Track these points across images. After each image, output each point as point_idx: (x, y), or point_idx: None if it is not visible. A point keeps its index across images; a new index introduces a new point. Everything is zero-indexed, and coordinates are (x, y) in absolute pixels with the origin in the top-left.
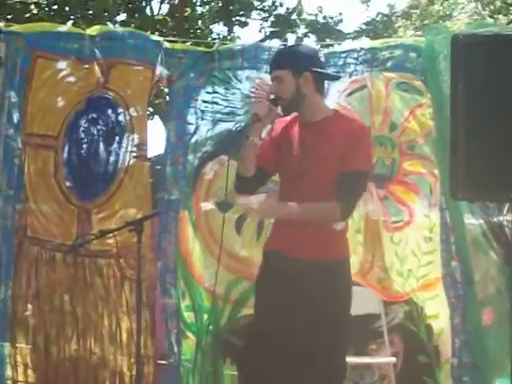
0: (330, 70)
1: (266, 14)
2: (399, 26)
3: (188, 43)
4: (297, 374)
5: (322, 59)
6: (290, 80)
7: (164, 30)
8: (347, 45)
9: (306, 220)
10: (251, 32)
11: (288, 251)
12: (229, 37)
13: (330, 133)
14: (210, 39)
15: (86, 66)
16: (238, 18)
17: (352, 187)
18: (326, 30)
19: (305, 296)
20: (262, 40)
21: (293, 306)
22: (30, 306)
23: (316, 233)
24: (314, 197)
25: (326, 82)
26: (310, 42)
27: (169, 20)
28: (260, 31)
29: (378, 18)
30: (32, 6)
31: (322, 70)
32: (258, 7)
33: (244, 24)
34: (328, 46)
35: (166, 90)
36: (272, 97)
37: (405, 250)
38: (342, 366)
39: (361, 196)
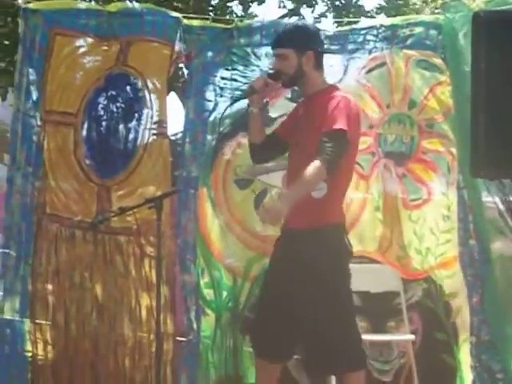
0: (350, 47)
1: None
2: (415, 4)
3: (207, 20)
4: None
5: (322, 37)
6: (293, 58)
7: (182, 7)
8: (367, 22)
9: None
10: (268, 9)
11: (286, 223)
12: (245, 14)
13: (319, 105)
14: (227, 16)
15: (105, 43)
16: None
17: (330, 144)
18: (345, 7)
19: (297, 263)
20: (281, 17)
21: (289, 273)
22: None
23: (299, 204)
24: (306, 166)
25: (345, 60)
26: (329, 19)
27: None
28: (280, 7)
29: None
30: None
31: (324, 50)
32: None
33: (261, 1)
34: (347, 23)
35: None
36: (272, 72)
37: (423, 228)
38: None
39: (341, 153)
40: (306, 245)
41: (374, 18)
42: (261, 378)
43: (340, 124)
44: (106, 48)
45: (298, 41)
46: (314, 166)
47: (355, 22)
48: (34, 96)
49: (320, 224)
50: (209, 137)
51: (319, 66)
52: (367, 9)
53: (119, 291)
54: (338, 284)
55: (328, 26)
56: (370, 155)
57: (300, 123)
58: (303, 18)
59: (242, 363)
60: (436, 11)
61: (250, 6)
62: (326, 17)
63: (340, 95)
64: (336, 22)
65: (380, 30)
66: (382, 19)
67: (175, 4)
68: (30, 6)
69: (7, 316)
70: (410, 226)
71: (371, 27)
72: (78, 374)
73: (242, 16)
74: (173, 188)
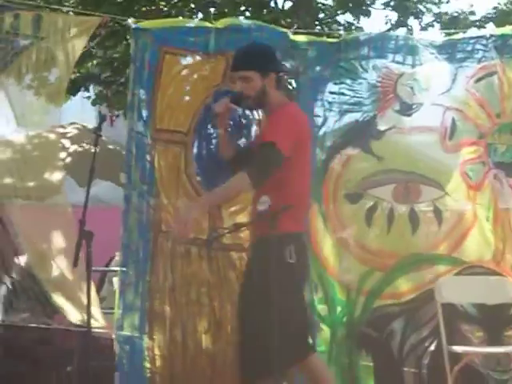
0: (458, 56)
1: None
2: None
3: (314, 35)
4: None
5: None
6: (257, 80)
7: (289, 23)
8: (476, 31)
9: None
10: (373, 21)
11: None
12: (353, 27)
13: (267, 125)
14: (334, 30)
15: (213, 60)
16: (363, 7)
17: (261, 156)
18: (452, 20)
19: (254, 269)
20: (387, 30)
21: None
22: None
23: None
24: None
25: (454, 68)
26: (435, 30)
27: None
28: (386, 23)
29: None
30: (162, 3)
31: (284, 71)
32: None
33: (367, 13)
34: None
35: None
36: (234, 95)
37: None
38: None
39: (269, 163)
40: (254, 255)
41: (483, 27)
42: None
43: (271, 137)
44: (214, 65)
45: (261, 63)
46: (238, 176)
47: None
48: (145, 115)
49: (265, 234)
50: (318, 152)
51: (279, 85)
52: (474, 18)
53: (234, 306)
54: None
55: (435, 36)
56: (481, 165)
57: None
58: (411, 29)
59: (358, 377)
60: None
61: (357, 20)
62: (433, 26)
63: (286, 111)
64: (444, 32)
65: (490, 40)
66: (492, 29)
67: (281, 20)
68: (140, 24)
69: (126, 332)
70: None
71: (481, 37)
72: None
73: (349, 27)
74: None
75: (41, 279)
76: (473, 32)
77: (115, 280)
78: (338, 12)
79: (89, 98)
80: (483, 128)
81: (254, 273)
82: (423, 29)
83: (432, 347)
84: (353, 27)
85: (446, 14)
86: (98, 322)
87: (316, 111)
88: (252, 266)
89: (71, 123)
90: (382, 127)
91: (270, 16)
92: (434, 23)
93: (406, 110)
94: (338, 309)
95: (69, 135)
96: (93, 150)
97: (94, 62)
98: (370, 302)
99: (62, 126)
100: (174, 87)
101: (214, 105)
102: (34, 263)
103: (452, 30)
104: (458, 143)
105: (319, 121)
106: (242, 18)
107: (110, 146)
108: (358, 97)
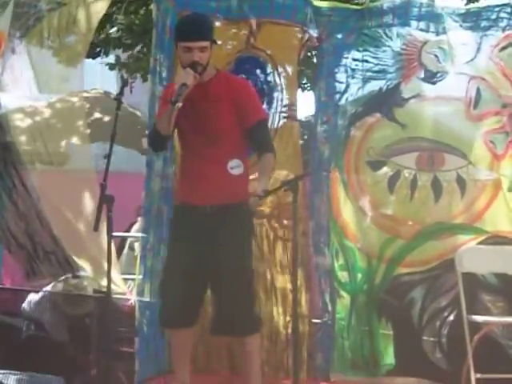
0: (483, 24)
1: None
2: None
3: (337, 1)
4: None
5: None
6: (209, 49)
7: None
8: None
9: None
10: None
11: (195, 202)
12: None
13: (214, 92)
14: None
15: (235, 26)
16: None
17: (264, 135)
18: None
19: (213, 237)
20: None
21: (204, 245)
22: None
23: (217, 182)
24: (206, 149)
25: (478, 37)
26: None
27: None
28: None
29: None
30: None
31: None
32: None
33: None
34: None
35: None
36: (194, 65)
37: None
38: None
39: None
40: (226, 218)
41: None
42: (175, 345)
43: (262, 113)
44: (235, 31)
45: (211, 33)
46: (271, 158)
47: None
48: (166, 80)
49: (239, 200)
50: (340, 119)
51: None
52: None
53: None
54: (248, 254)
55: (458, 3)
56: (504, 134)
57: (198, 108)
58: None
59: (377, 344)
60: None
61: None
62: None
63: (242, 80)
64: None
65: None
66: None
67: None
68: None
69: (147, 298)
70: None
71: (505, 4)
72: (214, 354)
73: None
74: (307, 171)
75: (63, 243)
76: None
77: (136, 245)
78: None
79: (108, 64)
80: (507, 98)
81: (219, 237)
82: None
83: (452, 316)
84: None
85: None
86: (119, 287)
87: (338, 78)
88: (214, 229)
89: (93, 89)
90: (406, 95)
91: None
92: None
93: (431, 77)
94: (359, 276)
95: (91, 101)
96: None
97: (115, 27)
98: (391, 269)
99: (85, 91)
100: None
101: (179, 76)
102: (57, 227)
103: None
104: (482, 113)
105: (342, 87)
106: None
107: (130, 111)
108: (382, 64)
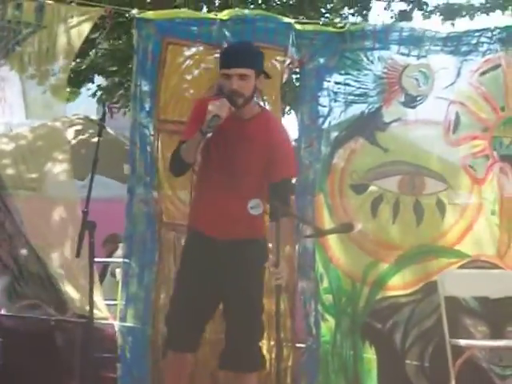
0: (463, 49)
1: None
2: None
3: (318, 25)
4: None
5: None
6: (253, 79)
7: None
8: (481, 23)
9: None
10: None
11: (211, 232)
12: (357, 20)
13: (252, 132)
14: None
15: (217, 51)
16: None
17: (288, 193)
18: (453, 9)
19: (229, 270)
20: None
21: (219, 276)
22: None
23: (238, 218)
24: (230, 184)
25: (458, 62)
26: (436, 19)
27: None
28: (386, 9)
29: None
30: None
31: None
32: None
33: (368, 8)
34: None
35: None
36: (231, 94)
37: None
38: (260, 327)
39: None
40: (242, 252)
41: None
42: (172, 369)
43: (290, 170)
44: (217, 56)
45: (258, 61)
46: (288, 226)
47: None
48: (147, 106)
49: (255, 236)
50: (323, 143)
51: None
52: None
53: None
54: (259, 288)
55: (438, 27)
56: (484, 158)
57: (231, 144)
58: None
59: (361, 368)
60: None
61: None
62: (435, 14)
63: (283, 129)
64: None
65: (494, 32)
66: (497, 21)
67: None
68: (144, 15)
69: (129, 323)
70: None
71: (485, 29)
72: (198, 380)
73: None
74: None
75: (48, 268)
76: (477, 24)
77: (118, 271)
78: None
79: (88, 89)
80: (488, 122)
81: (234, 269)
82: (426, 17)
83: (435, 340)
84: (357, 20)
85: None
86: (101, 312)
87: (321, 101)
88: (231, 262)
89: (74, 114)
90: (387, 119)
91: (274, 10)
92: (436, 12)
93: (411, 101)
94: (343, 299)
95: (72, 126)
96: (95, 140)
97: (98, 53)
98: (374, 293)
99: (66, 117)
100: (178, 78)
101: (214, 106)
102: (41, 252)
103: (454, 21)
104: (461, 137)
105: (325, 111)
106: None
107: (111, 138)
108: (363, 88)
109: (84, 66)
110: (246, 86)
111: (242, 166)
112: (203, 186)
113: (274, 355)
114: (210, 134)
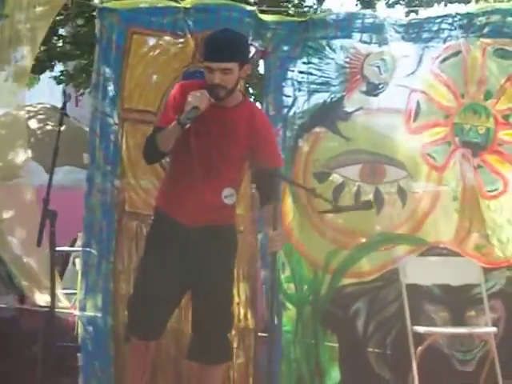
0: (424, 36)
1: None
2: None
3: (282, 14)
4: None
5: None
6: (237, 72)
7: (256, 2)
8: (441, 10)
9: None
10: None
11: (183, 220)
12: (319, 8)
13: (234, 122)
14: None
15: (181, 40)
16: None
17: (276, 182)
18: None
19: (199, 257)
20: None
21: (187, 267)
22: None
23: (211, 207)
24: (207, 172)
25: (420, 49)
26: (399, 8)
27: None
28: (356, 5)
29: None
30: None
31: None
32: None
33: None
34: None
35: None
36: (213, 87)
37: (501, 218)
38: (231, 317)
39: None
40: (212, 239)
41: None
42: (134, 356)
43: (278, 160)
44: (182, 45)
45: (242, 53)
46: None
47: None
48: (111, 95)
49: (226, 223)
50: (288, 132)
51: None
52: None
53: None
54: (229, 277)
55: (400, 15)
56: (446, 145)
57: (213, 132)
58: (375, 10)
59: (323, 357)
60: None
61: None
62: (399, 3)
63: (266, 119)
64: (409, 11)
65: (455, 19)
66: (458, 7)
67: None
68: (107, 5)
69: (89, 313)
70: (490, 216)
71: (446, 15)
72: (161, 370)
73: (316, 9)
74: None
75: (5, 259)
76: (438, 11)
77: (78, 261)
78: None
79: (55, 78)
80: (449, 109)
81: (205, 256)
82: (389, 6)
83: (396, 328)
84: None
85: None
86: (62, 302)
87: (286, 91)
88: (201, 249)
89: (39, 103)
90: (349, 109)
91: None
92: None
93: (373, 90)
94: (305, 287)
95: (36, 115)
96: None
97: (61, 41)
98: (336, 280)
99: (31, 106)
100: (143, 67)
101: (193, 97)
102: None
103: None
104: (421, 125)
105: (289, 101)
106: None
107: (76, 126)
108: (325, 77)
109: (45, 53)
110: (229, 79)
111: (221, 154)
112: (180, 172)
113: (235, 345)
114: (188, 126)
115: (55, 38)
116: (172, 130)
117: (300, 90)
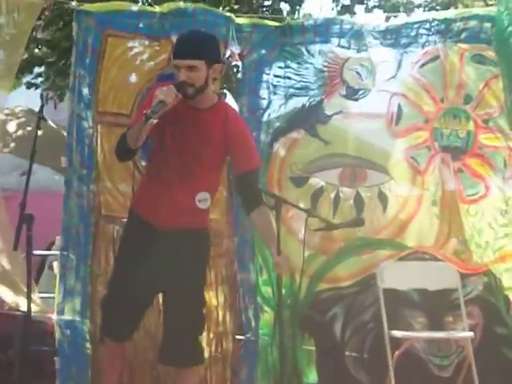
0: (403, 41)
1: None
2: None
3: (258, 19)
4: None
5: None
6: (204, 70)
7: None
8: (419, 16)
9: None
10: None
11: (156, 222)
12: (296, 12)
13: (208, 123)
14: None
15: (157, 44)
16: None
17: (256, 185)
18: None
19: (171, 260)
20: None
21: (159, 269)
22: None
23: (183, 211)
24: (182, 176)
25: (399, 54)
26: (378, 13)
27: None
28: (332, 9)
29: None
30: None
31: (225, 62)
32: None
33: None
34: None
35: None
36: (179, 83)
37: (481, 223)
38: (201, 320)
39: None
40: (185, 242)
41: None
42: (108, 357)
43: (256, 161)
44: (157, 48)
45: (209, 52)
46: (265, 214)
47: (408, 16)
48: (87, 98)
49: (199, 226)
50: (263, 135)
51: (216, 77)
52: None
53: None
54: (201, 280)
55: (379, 21)
56: (426, 149)
57: (187, 134)
58: (355, 14)
59: (301, 360)
60: (490, 3)
61: (301, 4)
62: (378, 8)
63: (241, 119)
64: (388, 16)
65: (433, 24)
66: (435, 13)
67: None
68: (83, 7)
69: (67, 317)
70: (470, 221)
71: (424, 21)
72: (138, 373)
73: (293, 14)
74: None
75: None
76: (416, 16)
77: (55, 264)
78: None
79: (29, 83)
80: (429, 113)
81: (176, 259)
82: (368, 11)
83: (373, 332)
84: (297, 14)
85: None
86: (38, 306)
87: (261, 94)
88: (174, 252)
89: (17, 106)
90: (328, 111)
91: (212, 2)
92: (377, 8)
93: (353, 94)
94: (283, 291)
95: (14, 118)
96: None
97: (38, 45)
98: (314, 285)
99: (9, 109)
100: (118, 70)
101: (160, 92)
102: None
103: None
104: (403, 129)
105: (264, 103)
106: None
107: (54, 129)
108: (304, 81)
109: (24, 57)
110: (196, 76)
111: (195, 156)
112: (154, 174)
113: (213, 348)
114: (154, 121)
115: (34, 42)
116: (139, 125)
117: (275, 94)
